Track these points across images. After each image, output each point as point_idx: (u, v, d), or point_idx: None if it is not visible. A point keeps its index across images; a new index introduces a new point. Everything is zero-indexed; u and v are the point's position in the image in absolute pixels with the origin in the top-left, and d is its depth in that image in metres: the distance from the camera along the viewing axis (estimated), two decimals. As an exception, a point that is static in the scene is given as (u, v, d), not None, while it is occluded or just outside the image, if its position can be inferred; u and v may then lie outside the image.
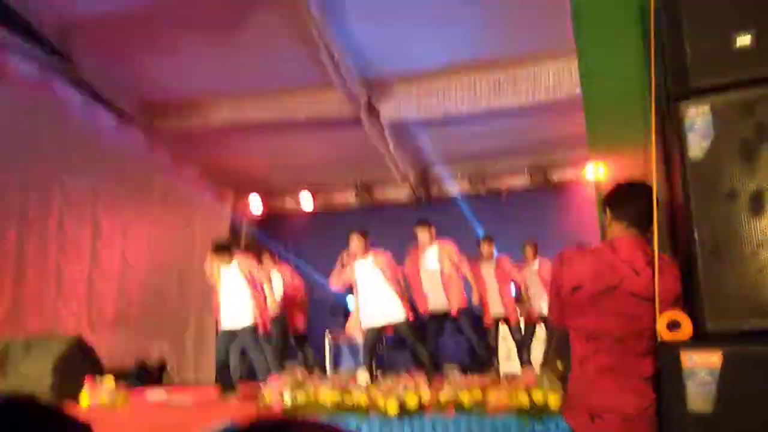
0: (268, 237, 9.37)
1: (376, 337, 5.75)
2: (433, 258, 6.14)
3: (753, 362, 1.93)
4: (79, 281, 6.56)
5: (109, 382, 4.57)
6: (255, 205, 9.76)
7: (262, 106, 7.01)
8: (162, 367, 7.89)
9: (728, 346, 1.95)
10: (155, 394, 5.14)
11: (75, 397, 4.41)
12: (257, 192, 9.75)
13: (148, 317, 7.64)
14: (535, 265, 6.98)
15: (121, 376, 5.23)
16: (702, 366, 1.96)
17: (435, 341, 6.12)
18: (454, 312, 5.95)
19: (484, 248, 6.88)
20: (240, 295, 5.67)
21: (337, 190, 9.70)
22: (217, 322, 6.17)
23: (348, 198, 9.59)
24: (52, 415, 1.09)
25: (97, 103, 6.63)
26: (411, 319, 5.66)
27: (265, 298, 5.77)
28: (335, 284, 6.03)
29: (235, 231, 9.79)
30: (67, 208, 6.32)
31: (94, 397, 4.42)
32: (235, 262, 5.77)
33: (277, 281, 6.89)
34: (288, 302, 7.00)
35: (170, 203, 8.19)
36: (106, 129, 6.77)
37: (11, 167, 5.59)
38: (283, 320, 6.78)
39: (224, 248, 5.84)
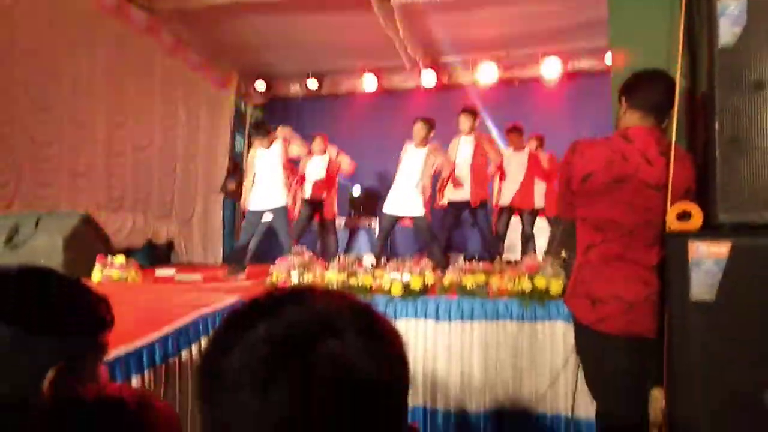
0: (272, 122, 9.26)
1: (393, 223, 5.75)
2: (469, 148, 6.04)
3: (761, 254, 1.94)
4: (93, 163, 6.57)
5: (119, 259, 4.68)
6: (260, 89, 9.58)
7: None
8: (170, 247, 8.09)
9: (738, 238, 1.95)
10: (164, 271, 5.29)
11: (86, 273, 4.53)
12: (262, 77, 9.53)
13: (155, 198, 7.73)
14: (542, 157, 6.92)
15: (130, 254, 5.35)
16: (709, 256, 1.98)
17: (450, 231, 6.18)
18: (474, 203, 5.96)
19: (511, 139, 6.77)
20: (276, 175, 5.64)
21: (344, 76, 9.47)
22: (239, 204, 6.15)
23: (356, 84, 9.37)
24: (73, 284, 1.11)
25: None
26: (429, 218, 5.66)
27: (298, 180, 5.75)
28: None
29: (239, 116, 9.69)
30: (73, 88, 6.21)
31: (106, 273, 4.54)
32: (276, 143, 5.71)
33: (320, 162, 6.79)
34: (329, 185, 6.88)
35: (173, 86, 8.04)
36: (105, 9, 6.50)
37: (15, 50, 5.43)
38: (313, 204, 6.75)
39: (264, 129, 5.72)
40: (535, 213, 6.65)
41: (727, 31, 2.02)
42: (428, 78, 8.79)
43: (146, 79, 7.46)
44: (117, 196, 6.96)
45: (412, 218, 5.65)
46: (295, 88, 9.71)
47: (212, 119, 9.06)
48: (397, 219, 5.69)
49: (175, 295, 3.87)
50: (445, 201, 6.05)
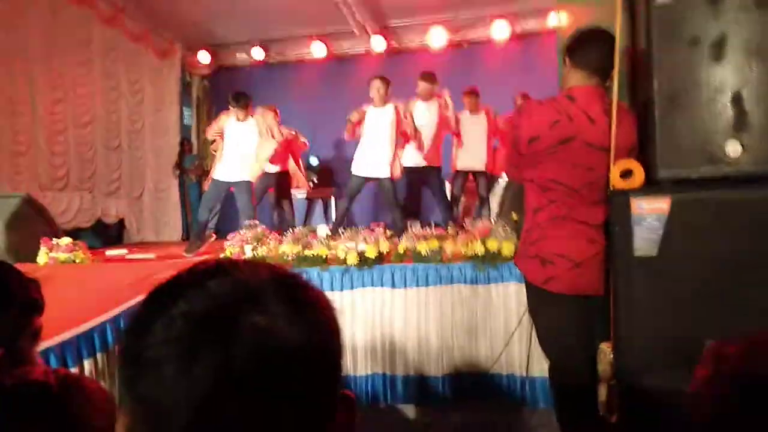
0: (220, 93, 9.03)
1: (360, 185, 5.67)
2: (429, 112, 5.99)
3: (700, 207, 1.99)
4: (33, 141, 6.31)
5: (65, 240, 4.53)
6: (204, 59, 9.30)
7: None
8: (120, 226, 7.89)
9: (677, 193, 2.00)
10: (115, 251, 5.17)
11: (31, 257, 4.38)
12: (207, 46, 9.25)
13: (102, 177, 7.51)
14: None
15: (79, 235, 5.20)
16: (650, 212, 2.02)
17: (409, 196, 6.16)
18: (430, 166, 5.95)
19: (468, 101, 6.70)
20: (248, 150, 5.55)
21: (292, 44, 9.27)
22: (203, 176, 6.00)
23: (305, 51, 9.19)
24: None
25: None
26: (396, 177, 5.62)
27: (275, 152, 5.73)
28: (350, 138, 5.77)
29: (185, 87, 9.41)
30: (11, 63, 5.91)
31: (52, 255, 4.40)
32: (251, 118, 5.61)
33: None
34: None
35: (114, 59, 7.75)
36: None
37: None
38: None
39: (245, 101, 5.59)
40: (490, 176, 6.68)
41: (664, -12, 2.03)
42: (377, 43, 8.67)
43: (84, 50, 7.17)
44: (61, 175, 6.73)
45: (378, 180, 5.59)
46: (242, 57, 9.46)
47: (157, 92, 8.77)
48: (365, 180, 5.61)
49: (127, 275, 3.79)
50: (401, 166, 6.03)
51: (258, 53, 9.14)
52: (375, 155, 5.53)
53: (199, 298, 0.58)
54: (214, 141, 5.81)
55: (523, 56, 8.31)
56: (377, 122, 5.56)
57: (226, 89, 7.79)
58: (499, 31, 8.24)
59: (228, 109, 5.62)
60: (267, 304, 0.59)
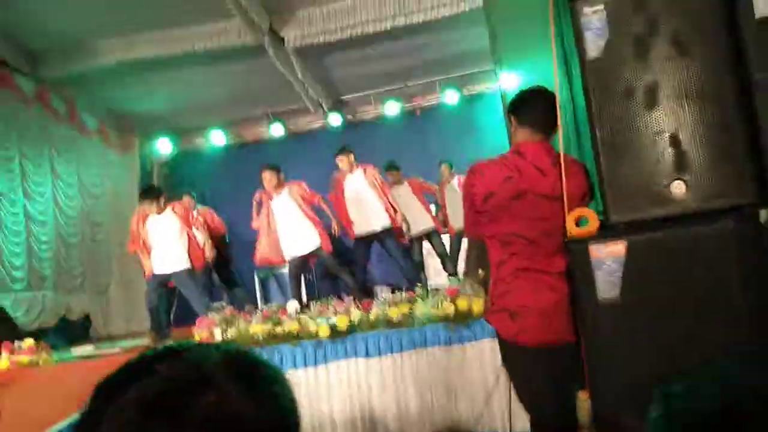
0: (182, 178, 9.06)
1: (299, 266, 5.80)
2: (359, 182, 6.15)
3: (653, 248, 2.05)
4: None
5: (28, 342, 4.39)
6: (164, 147, 9.36)
7: (156, 42, 6.61)
8: (86, 322, 7.67)
9: (631, 236, 2.06)
10: (81, 350, 5.01)
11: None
12: (164, 133, 9.33)
13: (63, 273, 7.34)
14: (455, 181, 7.12)
15: (42, 335, 5.04)
16: (608, 256, 2.07)
17: (363, 265, 6.22)
18: (379, 233, 6.03)
19: (391, 176, 6.97)
20: (174, 240, 5.54)
21: (248, 124, 9.42)
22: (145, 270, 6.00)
23: (261, 131, 9.34)
24: None
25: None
26: (329, 249, 5.70)
27: (197, 241, 5.71)
28: (256, 225, 6.01)
29: (146, 175, 9.40)
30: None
31: (13, 359, 4.24)
32: (169, 209, 5.63)
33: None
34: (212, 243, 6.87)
35: (72, 154, 7.73)
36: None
37: None
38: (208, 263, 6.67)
39: (156, 194, 5.64)
40: (437, 233, 6.85)
41: (593, 44, 2.15)
42: (333, 118, 8.88)
43: (39, 149, 7.14)
44: (20, 276, 6.56)
45: (315, 254, 5.72)
46: (200, 141, 9.56)
47: (117, 183, 8.75)
48: (302, 259, 5.72)
49: (92, 374, 3.66)
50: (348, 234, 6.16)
51: (217, 136, 9.24)
52: (297, 232, 5.75)
53: (150, 385, 0.58)
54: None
55: (474, 117, 8.60)
56: (281, 206, 5.86)
57: (187, 173, 7.83)
58: (448, 96, 8.55)
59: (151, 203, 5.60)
60: (219, 383, 0.58)
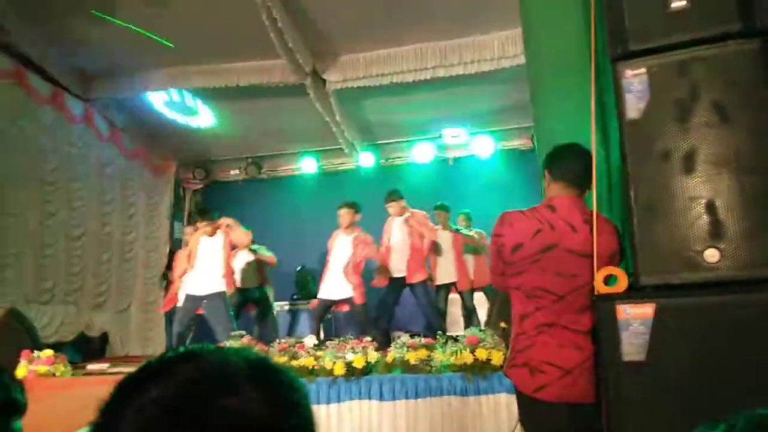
0: (213, 207, 9.19)
1: (326, 308, 5.81)
2: (403, 227, 6.19)
3: (683, 313, 2.02)
4: (22, 253, 6.30)
5: (47, 353, 4.43)
6: (199, 176, 9.56)
7: (204, 74, 6.83)
8: (104, 340, 7.72)
9: (660, 298, 2.04)
10: (96, 365, 5.04)
11: (11, 369, 4.26)
12: (201, 161, 9.55)
13: (90, 290, 7.44)
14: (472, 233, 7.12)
15: (60, 348, 5.09)
16: (635, 317, 2.05)
17: (391, 308, 6.25)
18: (411, 280, 6.05)
19: (439, 217, 6.94)
20: (217, 262, 5.61)
21: (284, 160, 9.59)
22: (174, 294, 6.11)
23: (293, 166, 9.49)
24: None
25: (31, 71, 6.32)
26: (362, 301, 5.72)
27: (232, 267, 5.83)
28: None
29: (178, 201, 9.59)
30: (9, 178, 6.04)
31: (31, 368, 4.29)
32: (220, 232, 5.74)
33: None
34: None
35: (110, 174, 7.93)
36: (39, 98, 6.47)
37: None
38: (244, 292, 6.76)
39: (211, 216, 5.78)
40: (471, 288, 6.77)
41: (633, 106, 2.18)
42: (366, 159, 8.99)
43: (81, 166, 7.34)
44: (47, 288, 6.66)
45: (347, 302, 5.74)
46: (234, 173, 9.74)
47: (150, 206, 8.93)
48: (330, 303, 5.73)
49: (106, 388, 3.67)
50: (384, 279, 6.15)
51: (252, 170, 9.42)
52: (337, 279, 5.76)
53: (170, 386, 0.58)
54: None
55: (506, 170, 8.63)
56: (341, 247, 5.88)
57: (219, 203, 7.95)
58: (483, 148, 8.61)
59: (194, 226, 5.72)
60: (239, 387, 0.58)
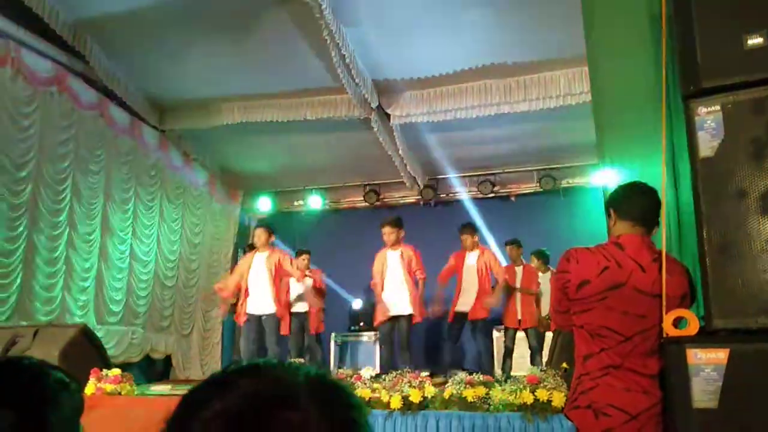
0: (277, 236, 9.41)
1: (390, 327, 5.74)
2: (473, 263, 6.20)
3: (759, 359, 1.93)
4: (95, 276, 6.62)
5: (114, 372, 4.58)
6: (264, 205, 9.81)
7: (273, 107, 7.08)
8: (167, 363, 7.94)
9: (735, 344, 1.95)
10: (159, 387, 5.16)
11: (81, 385, 4.42)
12: (267, 191, 9.81)
13: (155, 312, 7.70)
14: (548, 274, 6.97)
15: (126, 369, 5.25)
16: (707, 363, 1.97)
17: (455, 342, 6.26)
18: (476, 316, 6.02)
19: (510, 252, 6.90)
20: (266, 283, 5.76)
21: (346, 192, 9.74)
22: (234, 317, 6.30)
23: (357, 199, 9.62)
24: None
25: (111, 101, 6.71)
26: (418, 319, 5.68)
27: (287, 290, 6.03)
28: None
29: (244, 230, 9.86)
30: (78, 203, 6.38)
31: (99, 386, 4.44)
32: (273, 256, 5.92)
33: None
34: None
35: (180, 201, 8.26)
36: (118, 127, 6.86)
37: (24, 162, 5.67)
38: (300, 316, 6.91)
39: (271, 230, 6.04)
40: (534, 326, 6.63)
41: (706, 144, 2.13)
42: (427, 194, 9.04)
43: (153, 194, 7.68)
44: (116, 310, 6.94)
45: (405, 318, 5.69)
46: (298, 203, 9.95)
47: (216, 234, 9.22)
48: (393, 321, 5.68)
49: (166, 409, 3.76)
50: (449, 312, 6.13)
51: (315, 201, 9.60)
52: (395, 295, 5.73)
53: (233, 399, 0.60)
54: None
55: (565, 210, 8.49)
56: (393, 265, 5.85)
57: (282, 232, 8.12)
58: (544, 186, 8.53)
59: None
60: (300, 402, 0.60)
